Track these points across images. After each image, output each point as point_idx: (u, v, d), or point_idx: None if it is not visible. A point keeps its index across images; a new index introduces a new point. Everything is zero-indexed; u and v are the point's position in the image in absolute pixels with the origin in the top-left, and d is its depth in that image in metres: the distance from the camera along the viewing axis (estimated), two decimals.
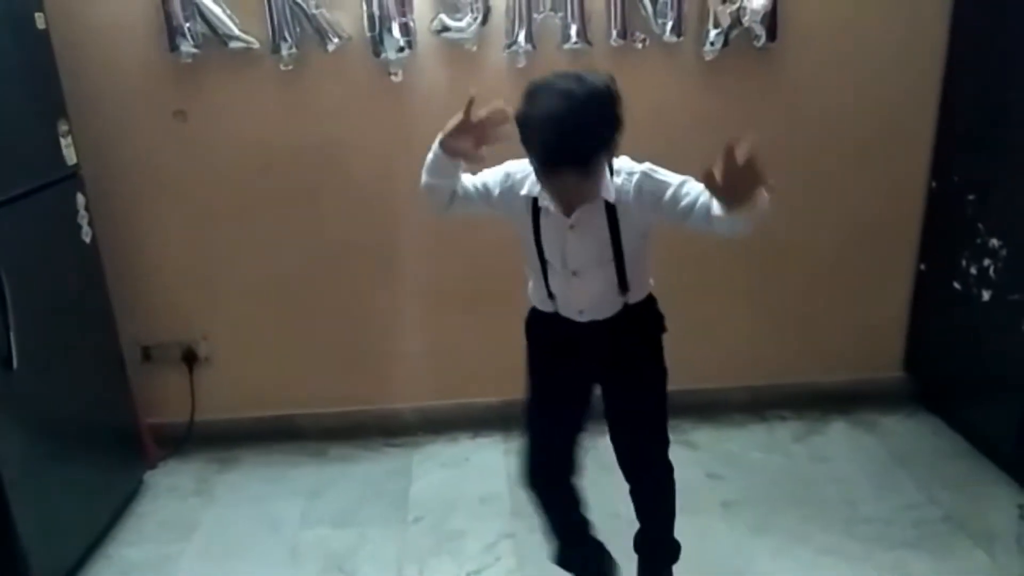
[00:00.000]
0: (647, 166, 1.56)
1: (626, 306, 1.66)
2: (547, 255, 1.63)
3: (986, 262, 2.34)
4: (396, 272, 2.60)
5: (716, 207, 1.41)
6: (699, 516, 2.24)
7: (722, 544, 2.15)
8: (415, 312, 2.65)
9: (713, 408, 2.76)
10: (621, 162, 1.56)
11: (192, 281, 2.59)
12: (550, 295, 1.67)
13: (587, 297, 1.65)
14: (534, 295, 1.74)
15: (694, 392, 2.72)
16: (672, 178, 1.54)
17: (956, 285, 2.48)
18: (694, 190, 1.50)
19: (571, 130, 1.36)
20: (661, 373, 1.76)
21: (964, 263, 2.43)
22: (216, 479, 2.55)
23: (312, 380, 2.70)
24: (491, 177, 1.65)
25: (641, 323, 1.71)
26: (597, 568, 1.93)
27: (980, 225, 2.36)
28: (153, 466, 2.60)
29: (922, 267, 2.67)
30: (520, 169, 1.60)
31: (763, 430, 2.69)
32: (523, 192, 1.58)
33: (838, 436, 2.64)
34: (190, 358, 2.64)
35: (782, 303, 2.70)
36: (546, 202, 1.56)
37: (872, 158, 2.56)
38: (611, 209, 1.54)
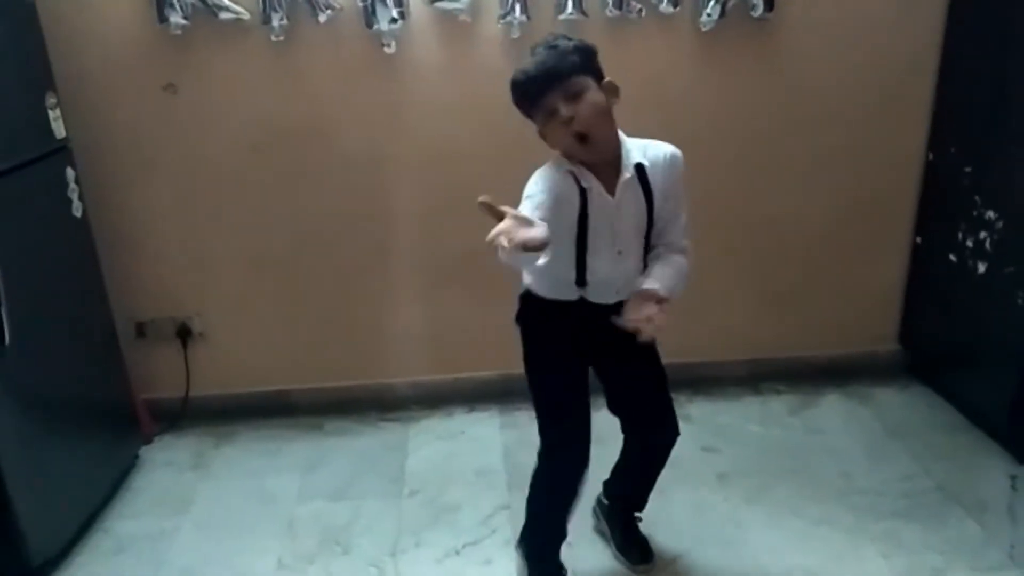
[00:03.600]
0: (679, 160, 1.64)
1: None
2: (591, 240, 1.60)
3: (982, 234, 2.34)
4: (390, 245, 2.59)
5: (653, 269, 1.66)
6: (695, 488, 2.26)
7: (717, 516, 2.16)
8: (410, 286, 2.64)
9: (708, 381, 2.76)
10: (658, 143, 1.63)
11: (185, 256, 2.57)
12: (582, 282, 1.65)
13: (625, 275, 1.65)
14: (551, 286, 1.68)
15: (689, 365, 2.73)
16: (681, 201, 1.67)
17: (952, 258, 2.47)
18: (674, 225, 1.66)
19: (547, 60, 1.52)
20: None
21: (960, 236, 2.43)
22: (212, 454, 2.56)
23: (307, 355, 2.70)
24: (541, 204, 1.52)
25: None
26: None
27: (976, 197, 2.35)
28: (149, 441, 2.60)
29: (918, 240, 2.67)
30: (552, 175, 1.57)
31: (758, 403, 2.70)
32: (569, 185, 1.56)
33: (833, 409, 2.65)
34: (184, 334, 2.63)
35: (777, 276, 2.70)
36: (586, 183, 1.56)
37: (869, 130, 2.54)
38: (642, 174, 1.59)
